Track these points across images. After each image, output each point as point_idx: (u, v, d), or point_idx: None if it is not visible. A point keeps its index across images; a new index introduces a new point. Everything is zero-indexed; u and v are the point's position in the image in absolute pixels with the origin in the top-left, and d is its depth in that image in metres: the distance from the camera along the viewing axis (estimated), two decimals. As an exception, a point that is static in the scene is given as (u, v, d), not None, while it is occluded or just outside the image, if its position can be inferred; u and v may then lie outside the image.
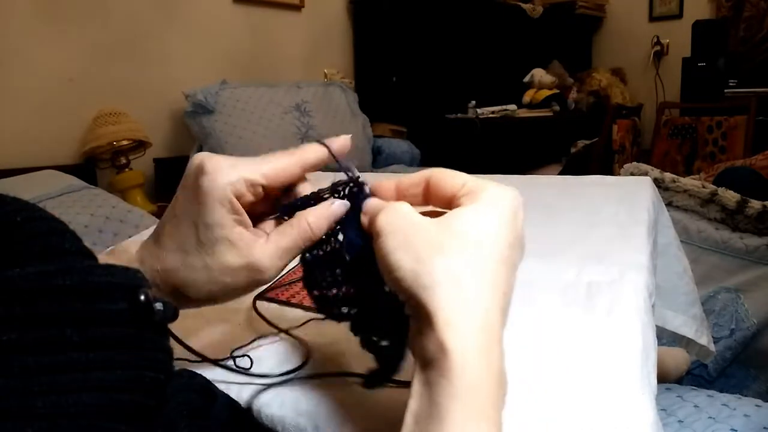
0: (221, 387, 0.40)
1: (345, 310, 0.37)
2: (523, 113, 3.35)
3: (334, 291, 0.37)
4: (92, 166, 2.22)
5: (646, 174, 1.51)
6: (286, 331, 0.48)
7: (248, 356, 0.44)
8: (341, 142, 0.38)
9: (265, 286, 0.59)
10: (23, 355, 0.20)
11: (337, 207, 0.36)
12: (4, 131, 2.00)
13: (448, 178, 0.33)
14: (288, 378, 0.42)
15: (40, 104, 2.10)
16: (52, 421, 0.19)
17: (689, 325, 0.97)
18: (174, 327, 0.26)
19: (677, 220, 1.42)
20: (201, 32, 2.60)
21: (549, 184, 1.02)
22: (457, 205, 0.31)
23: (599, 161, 2.91)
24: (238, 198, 0.34)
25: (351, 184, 0.37)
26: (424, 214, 0.32)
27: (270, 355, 0.46)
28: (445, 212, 0.32)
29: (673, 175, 1.51)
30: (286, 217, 0.37)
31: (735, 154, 2.67)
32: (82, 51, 2.21)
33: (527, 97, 3.53)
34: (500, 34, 3.42)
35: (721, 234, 1.43)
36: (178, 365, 0.38)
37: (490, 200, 0.31)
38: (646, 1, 4.01)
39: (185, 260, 0.35)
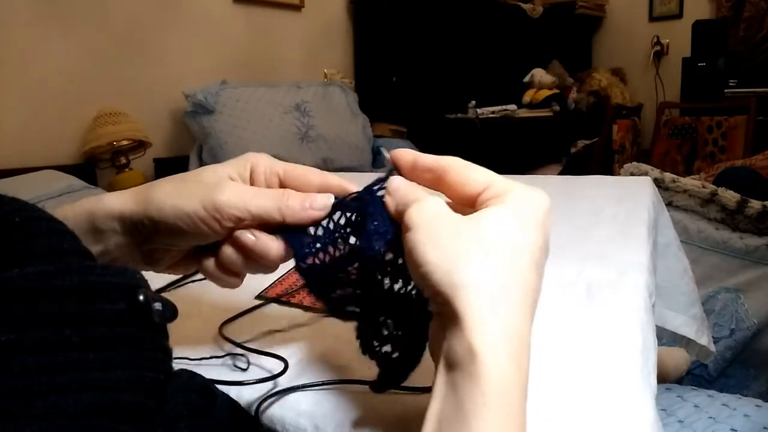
0: (220, 387, 0.40)
1: (351, 308, 0.37)
2: (523, 113, 3.35)
3: (339, 292, 0.37)
4: (92, 166, 2.22)
5: (646, 174, 1.51)
6: (256, 350, 0.47)
7: (243, 355, 0.44)
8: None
9: (266, 284, 0.59)
10: (22, 355, 0.20)
11: (321, 200, 0.36)
12: (4, 131, 2.00)
13: (470, 174, 0.32)
14: (284, 380, 0.42)
15: (40, 104, 2.10)
16: (52, 421, 0.19)
17: (689, 325, 0.97)
18: (173, 327, 0.26)
19: (677, 220, 1.42)
20: (201, 32, 2.60)
21: (549, 184, 1.01)
22: (484, 206, 0.31)
23: (599, 161, 2.91)
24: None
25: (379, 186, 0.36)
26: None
27: (265, 358, 0.46)
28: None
29: (673, 175, 1.51)
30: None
31: (735, 154, 2.67)
32: (82, 51, 2.21)
33: (527, 97, 3.53)
34: (500, 34, 3.42)
35: (721, 234, 1.43)
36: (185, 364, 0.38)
37: (522, 203, 0.30)
38: (646, 1, 4.02)
39: (177, 187, 0.36)
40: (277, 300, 0.57)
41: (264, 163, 0.39)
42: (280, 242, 0.37)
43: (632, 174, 1.56)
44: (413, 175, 0.35)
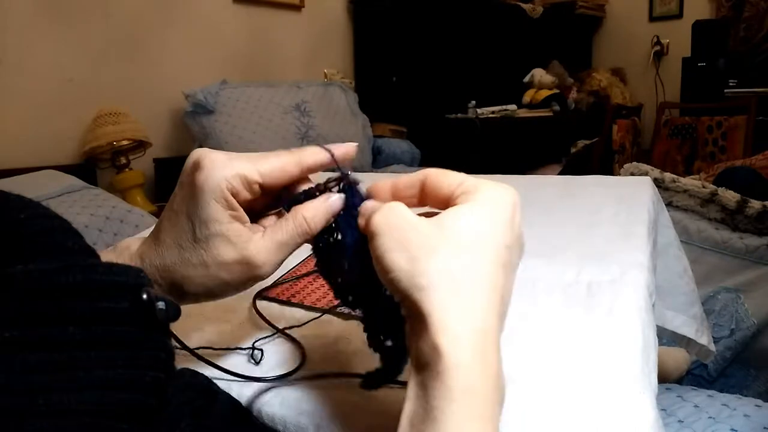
0: (221, 386, 0.40)
1: (351, 298, 0.37)
2: (523, 113, 3.35)
3: (339, 280, 0.37)
4: (92, 166, 2.22)
5: (646, 174, 1.51)
6: (283, 331, 0.48)
7: (260, 350, 0.45)
8: (345, 149, 0.37)
9: (265, 284, 0.59)
10: (25, 352, 0.20)
11: (334, 201, 0.36)
12: (4, 131, 2.00)
13: (444, 178, 0.32)
14: (285, 380, 0.42)
15: (40, 104, 2.10)
16: (54, 418, 0.19)
17: (689, 325, 0.97)
18: (175, 326, 0.26)
19: (677, 220, 1.42)
20: (201, 32, 2.60)
21: (549, 184, 1.02)
22: (454, 204, 0.31)
23: (599, 161, 2.91)
24: (234, 195, 0.34)
25: (343, 183, 0.37)
26: (421, 215, 0.32)
27: (270, 355, 0.46)
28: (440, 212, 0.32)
29: (673, 175, 1.51)
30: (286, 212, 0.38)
31: (735, 154, 2.67)
32: (82, 51, 2.21)
33: (527, 97, 3.53)
34: (500, 34, 3.42)
35: (721, 234, 1.43)
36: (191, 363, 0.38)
37: (487, 199, 0.30)
38: (646, 1, 4.01)
39: (182, 255, 0.34)
40: (278, 299, 0.57)
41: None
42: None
43: (632, 174, 1.56)
44: (398, 200, 0.34)
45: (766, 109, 2.87)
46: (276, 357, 0.46)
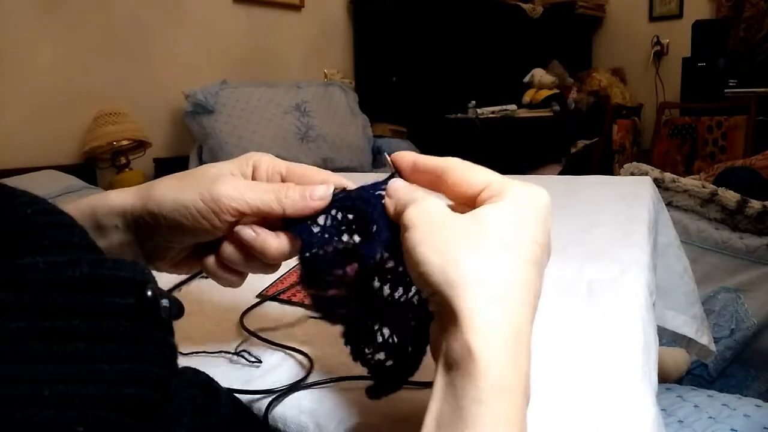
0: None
1: (342, 311, 0.37)
2: (523, 113, 3.35)
3: (332, 292, 0.36)
4: (92, 166, 2.22)
5: (646, 174, 1.51)
6: (283, 346, 0.47)
7: (258, 360, 0.44)
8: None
9: (265, 284, 0.59)
10: (32, 343, 0.20)
11: (321, 190, 0.36)
12: (4, 131, 2.00)
13: (469, 175, 0.32)
14: (289, 389, 0.42)
15: (40, 104, 2.10)
16: (59, 409, 0.20)
17: (689, 324, 0.97)
18: (176, 325, 0.26)
19: (677, 220, 1.42)
20: (201, 32, 2.60)
21: (549, 184, 1.01)
22: (482, 204, 0.31)
23: (599, 161, 2.91)
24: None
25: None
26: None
27: (268, 356, 0.46)
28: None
29: (673, 175, 1.51)
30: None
31: (735, 154, 2.67)
32: (82, 51, 2.21)
33: (527, 97, 3.53)
34: (500, 34, 3.42)
35: (721, 234, 1.43)
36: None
37: (520, 200, 0.30)
38: (646, 1, 4.02)
39: (173, 183, 0.36)
40: (278, 299, 0.57)
41: (266, 161, 0.39)
42: (282, 239, 0.36)
43: (632, 174, 1.56)
44: (413, 176, 0.35)
45: (766, 109, 2.87)
46: (276, 358, 0.46)
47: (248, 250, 0.36)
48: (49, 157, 2.08)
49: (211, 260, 0.38)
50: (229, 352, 0.46)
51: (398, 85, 3.11)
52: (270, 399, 0.39)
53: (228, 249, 0.37)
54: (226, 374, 0.43)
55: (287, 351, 0.46)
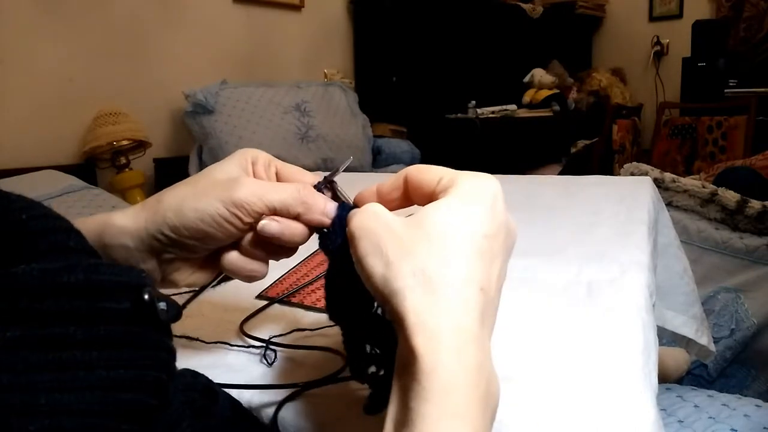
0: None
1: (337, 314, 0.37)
2: (523, 113, 3.35)
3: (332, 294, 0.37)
4: (92, 166, 2.22)
5: (646, 174, 1.51)
6: (308, 347, 0.48)
7: (274, 350, 0.45)
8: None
9: (264, 285, 0.59)
10: (27, 351, 0.20)
11: (332, 209, 0.36)
12: (4, 131, 2.00)
13: (424, 175, 0.32)
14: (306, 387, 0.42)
15: (40, 104, 2.10)
16: (55, 418, 0.19)
17: (689, 325, 0.97)
18: (176, 326, 0.26)
19: (677, 220, 1.42)
20: (201, 32, 2.60)
21: (549, 184, 1.02)
22: (434, 200, 0.30)
23: (599, 161, 2.91)
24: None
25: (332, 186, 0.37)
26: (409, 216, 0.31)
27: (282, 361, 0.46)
28: None
29: (673, 175, 1.51)
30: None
31: (735, 154, 2.67)
32: (82, 51, 2.21)
33: (527, 97, 3.53)
34: (500, 34, 3.42)
35: (721, 234, 1.43)
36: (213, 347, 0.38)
37: (464, 191, 0.30)
38: (646, 1, 4.02)
39: (185, 192, 0.36)
40: (278, 299, 0.57)
41: (262, 157, 0.40)
42: (302, 225, 0.37)
43: (632, 174, 1.56)
44: (385, 203, 0.34)
45: (766, 109, 2.87)
46: (279, 359, 0.46)
47: (276, 239, 0.36)
48: (49, 157, 2.08)
49: (233, 256, 0.38)
50: (256, 346, 0.46)
51: (398, 85, 3.11)
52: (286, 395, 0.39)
53: (247, 239, 0.37)
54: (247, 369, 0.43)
55: (312, 349, 0.46)
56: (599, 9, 4.14)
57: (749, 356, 1.35)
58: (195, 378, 0.32)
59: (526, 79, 3.59)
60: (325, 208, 0.36)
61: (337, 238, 0.35)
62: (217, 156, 2.27)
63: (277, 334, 0.48)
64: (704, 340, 0.98)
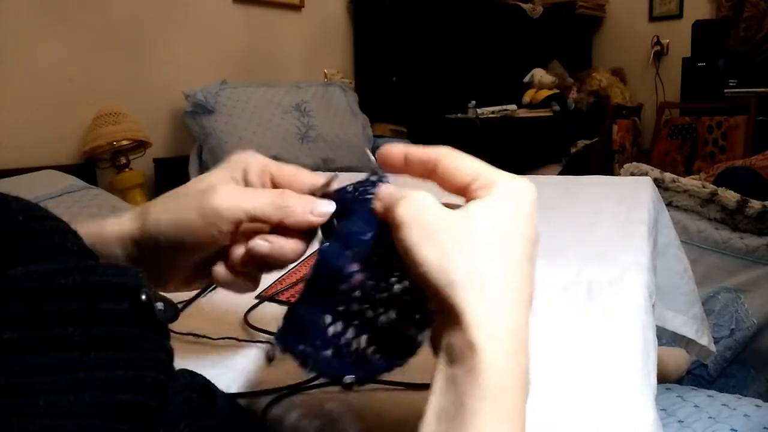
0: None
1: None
2: (523, 113, 3.35)
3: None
4: (92, 166, 2.22)
5: (646, 174, 1.51)
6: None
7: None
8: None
9: (264, 284, 0.59)
10: (26, 353, 0.20)
11: (323, 206, 0.35)
12: (4, 131, 2.00)
13: (459, 165, 0.32)
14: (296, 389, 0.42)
15: (40, 104, 2.10)
16: (54, 420, 0.19)
17: (689, 325, 0.97)
18: (174, 327, 0.26)
19: (677, 220, 1.42)
20: (201, 32, 2.60)
21: (549, 184, 1.02)
22: (472, 197, 0.31)
23: (599, 161, 2.91)
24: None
25: (369, 182, 0.35)
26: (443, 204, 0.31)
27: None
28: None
29: (673, 175, 1.51)
30: None
31: (735, 154, 2.67)
32: (82, 51, 2.21)
33: (527, 97, 3.53)
34: (500, 34, 3.42)
35: (721, 234, 1.43)
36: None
37: (509, 194, 0.30)
38: (646, 1, 4.01)
39: (166, 204, 0.36)
40: (278, 300, 0.57)
41: (255, 163, 0.38)
42: (296, 240, 0.36)
43: (632, 174, 1.56)
44: (405, 169, 0.34)
45: (766, 109, 2.87)
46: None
47: (266, 257, 0.35)
48: (49, 157, 2.08)
49: (220, 269, 0.37)
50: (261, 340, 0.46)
51: (398, 85, 3.11)
52: (271, 398, 0.39)
53: (237, 253, 0.36)
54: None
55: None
56: (599, 9, 4.14)
57: (749, 356, 1.35)
58: (193, 378, 0.32)
59: (526, 79, 3.59)
60: (312, 207, 0.35)
61: (352, 226, 0.34)
62: (216, 156, 2.27)
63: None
64: (704, 340, 0.98)
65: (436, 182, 0.33)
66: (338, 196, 0.36)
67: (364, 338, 0.34)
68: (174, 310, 0.24)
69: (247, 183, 0.38)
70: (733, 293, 1.40)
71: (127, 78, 2.34)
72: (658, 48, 3.97)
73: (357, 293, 0.33)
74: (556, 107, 3.47)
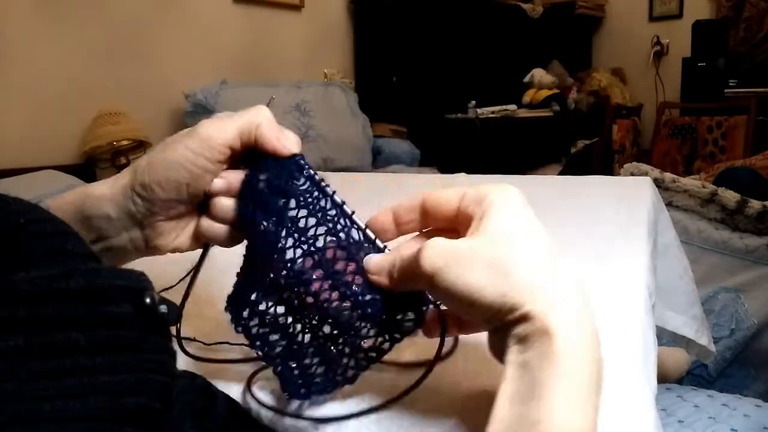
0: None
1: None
2: (523, 113, 3.35)
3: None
4: (92, 166, 2.22)
5: (646, 174, 1.51)
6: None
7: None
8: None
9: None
10: (30, 359, 0.20)
11: (293, 141, 0.37)
12: (4, 131, 2.00)
13: (443, 197, 0.34)
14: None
15: (40, 104, 2.10)
16: (60, 425, 0.19)
17: (689, 325, 0.97)
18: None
19: (677, 220, 1.42)
20: (201, 32, 2.60)
21: (549, 184, 1.02)
22: (467, 215, 0.32)
23: (599, 161, 2.91)
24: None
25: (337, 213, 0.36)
26: (423, 234, 0.34)
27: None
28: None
29: (673, 175, 1.51)
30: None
31: (735, 154, 2.67)
32: (82, 51, 2.21)
33: (527, 97, 3.53)
34: (500, 34, 3.42)
35: (721, 234, 1.43)
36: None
37: (506, 199, 0.32)
38: (646, 1, 4.02)
39: (155, 151, 0.37)
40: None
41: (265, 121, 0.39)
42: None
43: (632, 174, 1.56)
44: (402, 228, 0.36)
45: (766, 109, 2.87)
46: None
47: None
48: (49, 157, 2.08)
49: (205, 220, 0.38)
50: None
51: (398, 85, 3.11)
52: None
53: (220, 204, 0.38)
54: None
55: None
56: (599, 9, 4.14)
57: (749, 356, 1.35)
58: (193, 380, 0.32)
59: (526, 79, 3.59)
60: (282, 138, 0.37)
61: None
62: (217, 156, 2.27)
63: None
64: (704, 340, 0.98)
65: (429, 224, 0.35)
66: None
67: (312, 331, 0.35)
68: (176, 313, 0.25)
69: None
70: (733, 293, 1.40)
71: (127, 78, 2.34)
72: (658, 48, 3.97)
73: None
74: (556, 107, 3.47)
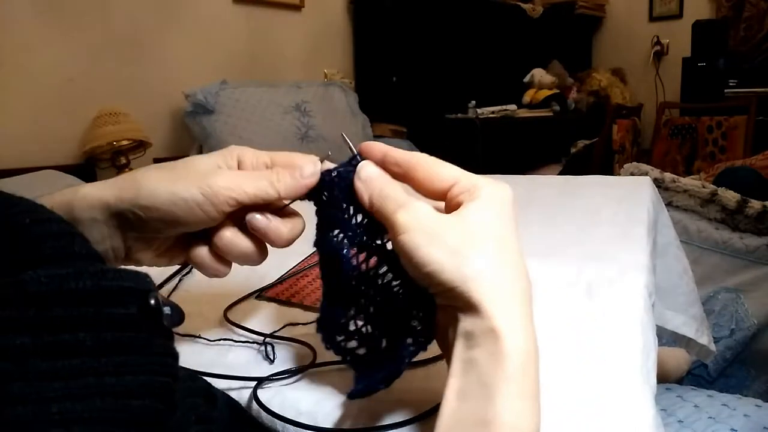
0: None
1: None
2: (523, 113, 3.35)
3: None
4: (92, 166, 2.22)
5: (646, 174, 1.51)
6: (264, 339, 0.48)
7: (272, 345, 0.46)
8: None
9: (264, 283, 0.59)
10: (37, 359, 0.20)
11: (309, 167, 0.37)
12: (4, 131, 2.00)
13: (438, 170, 0.34)
14: (289, 377, 0.42)
15: (40, 104, 2.10)
16: (67, 427, 0.19)
17: (689, 324, 0.97)
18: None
19: (677, 220, 1.42)
20: (201, 32, 2.60)
21: (549, 184, 1.02)
22: (455, 201, 0.33)
23: (599, 161, 2.91)
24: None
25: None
26: None
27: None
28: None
29: (673, 175, 1.51)
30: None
31: (735, 154, 2.67)
32: (82, 51, 2.21)
33: (527, 97, 3.53)
34: (500, 34, 3.42)
35: (721, 234, 1.43)
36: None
37: (494, 198, 0.33)
38: (646, 1, 4.01)
39: (162, 175, 0.37)
40: (278, 300, 0.57)
41: (249, 154, 0.40)
42: (292, 222, 0.38)
43: (632, 174, 1.56)
44: (383, 168, 0.36)
45: (766, 109, 2.87)
46: (282, 354, 0.46)
47: (262, 234, 0.37)
48: (49, 157, 2.08)
49: (201, 251, 0.38)
50: (258, 342, 0.47)
51: (398, 85, 3.11)
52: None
53: (225, 237, 0.37)
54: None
55: (289, 343, 0.46)
56: (599, 9, 4.14)
57: (749, 356, 1.35)
58: (195, 382, 0.32)
59: (526, 79, 3.59)
60: (300, 172, 0.37)
61: (334, 189, 0.36)
62: (217, 156, 2.27)
63: (272, 331, 0.49)
64: (704, 340, 0.98)
65: (412, 185, 0.35)
66: (325, 176, 0.37)
67: (372, 326, 0.36)
68: (180, 315, 0.25)
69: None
70: (733, 293, 1.40)
71: (127, 78, 2.34)
72: (658, 48, 3.97)
73: (355, 273, 0.35)
74: (556, 107, 3.47)
